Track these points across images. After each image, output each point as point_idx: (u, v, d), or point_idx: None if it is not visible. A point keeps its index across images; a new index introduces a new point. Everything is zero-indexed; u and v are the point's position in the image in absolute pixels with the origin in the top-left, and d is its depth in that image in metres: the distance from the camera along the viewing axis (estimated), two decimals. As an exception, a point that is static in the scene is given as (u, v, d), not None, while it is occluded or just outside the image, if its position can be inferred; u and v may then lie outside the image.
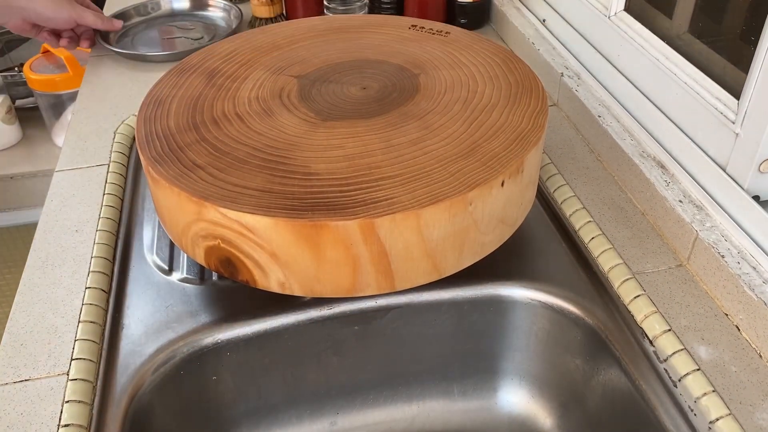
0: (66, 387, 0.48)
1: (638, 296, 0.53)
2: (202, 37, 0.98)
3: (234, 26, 0.98)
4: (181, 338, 0.52)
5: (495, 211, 0.49)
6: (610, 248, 0.57)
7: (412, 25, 0.69)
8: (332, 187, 0.46)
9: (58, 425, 0.46)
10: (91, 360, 0.50)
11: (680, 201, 0.58)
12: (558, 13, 0.84)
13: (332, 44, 0.66)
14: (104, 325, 0.53)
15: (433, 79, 0.60)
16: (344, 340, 0.57)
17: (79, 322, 0.52)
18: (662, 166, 0.62)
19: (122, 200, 0.66)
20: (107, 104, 0.81)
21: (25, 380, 0.49)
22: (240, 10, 1.01)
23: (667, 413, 0.47)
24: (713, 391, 0.46)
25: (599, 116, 0.69)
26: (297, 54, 0.64)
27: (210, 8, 1.04)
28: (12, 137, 1.30)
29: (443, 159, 0.49)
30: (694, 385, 0.47)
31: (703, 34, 0.62)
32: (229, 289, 0.56)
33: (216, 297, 0.55)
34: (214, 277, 0.57)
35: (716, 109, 0.56)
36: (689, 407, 0.47)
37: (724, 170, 0.56)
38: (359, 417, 0.61)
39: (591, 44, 0.76)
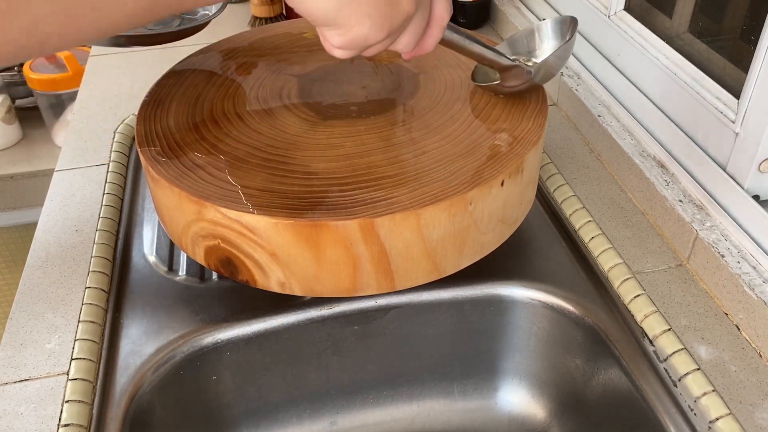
0: (66, 387, 0.48)
1: (638, 296, 0.53)
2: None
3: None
4: (181, 338, 0.52)
5: (495, 211, 0.49)
6: (610, 248, 0.57)
7: (412, 25, 0.69)
8: (332, 187, 0.46)
9: (58, 425, 0.46)
10: (91, 360, 0.50)
11: (680, 200, 0.58)
12: (558, 12, 0.84)
13: (332, 44, 0.66)
14: (104, 325, 0.53)
15: (433, 78, 0.60)
16: (344, 340, 0.57)
17: (79, 322, 0.52)
18: (662, 166, 0.62)
19: (122, 200, 0.66)
20: (107, 104, 0.81)
21: (25, 380, 0.49)
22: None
23: (667, 413, 0.47)
24: (713, 390, 0.46)
25: (599, 116, 0.69)
26: (297, 53, 0.64)
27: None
28: (12, 137, 1.30)
29: (443, 158, 0.49)
30: (694, 385, 0.47)
31: (703, 33, 0.62)
32: (229, 289, 0.56)
33: (216, 297, 0.55)
34: (214, 277, 0.57)
35: (716, 108, 0.56)
36: (689, 407, 0.47)
37: (724, 170, 0.56)
38: (359, 417, 0.61)
39: (591, 44, 0.76)
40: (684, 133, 0.61)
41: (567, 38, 0.53)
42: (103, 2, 0.34)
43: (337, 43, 0.38)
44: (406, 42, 0.40)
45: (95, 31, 0.35)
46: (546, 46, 0.56)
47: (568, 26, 0.54)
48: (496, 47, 0.54)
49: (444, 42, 0.46)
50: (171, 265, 0.58)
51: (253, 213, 0.44)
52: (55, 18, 0.33)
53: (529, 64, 0.54)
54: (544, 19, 0.55)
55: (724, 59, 0.59)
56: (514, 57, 0.55)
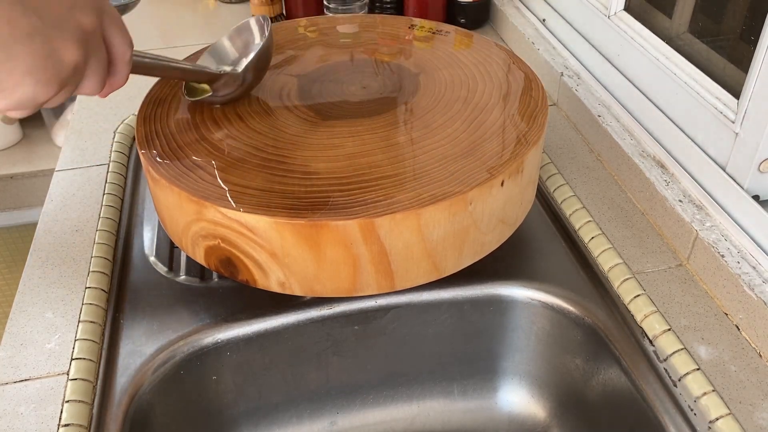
0: (66, 387, 0.48)
1: (638, 296, 0.53)
2: None
3: None
4: (181, 338, 0.52)
5: (495, 211, 0.49)
6: (610, 248, 0.57)
7: (412, 25, 0.69)
8: (332, 187, 0.46)
9: (58, 425, 0.46)
10: (91, 360, 0.50)
11: (680, 200, 0.58)
12: (558, 12, 0.84)
13: (332, 44, 0.66)
14: (104, 325, 0.53)
15: (433, 78, 0.60)
16: (344, 340, 0.57)
17: (79, 322, 0.52)
18: (662, 166, 0.62)
19: (122, 200, 0.66)
20: (107, 104, 0.81)
21: (25, 380, 0.49)
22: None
23: (667, 413, 0.47)
24: (713, 390, 0.46)
25: (599, 116, 0.69)
26: (297, 53, 0.64)
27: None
28: (12, 137, 1.30)
29: (443, 158, 0.49)
30: (694, 385, 0.47)
31: (703, 33, 0.62)
32: (229, 289, 0.56)
33: (216, 297, 0.55)
34: (214, 277, 0.57)
35: (716, 108, 0.56)
36: (689, 407, 0.47)
37: (724, 170, 0.56)
38: (359, 417, 0.61)
39: (591, 44, 0.76)
40: (684, 133, 0.61)
41: (266, 33, 0.55)
42: None
43: (3, 106, 0.35)
44: (91, 87, 0.39)
45: None
46: (249, 44, 0.57)
47: (262, 22, 0.56)
48: (199, 60, 0.55)
49: (140, 70, 0.45)
50: (171, 265, 0.58)
51: (240, 211, 0.44)
52: None
53: (237, 69, 0.54)
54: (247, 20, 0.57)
55: (724, 59, 0.59)
56: (220, 67, 0.55)
